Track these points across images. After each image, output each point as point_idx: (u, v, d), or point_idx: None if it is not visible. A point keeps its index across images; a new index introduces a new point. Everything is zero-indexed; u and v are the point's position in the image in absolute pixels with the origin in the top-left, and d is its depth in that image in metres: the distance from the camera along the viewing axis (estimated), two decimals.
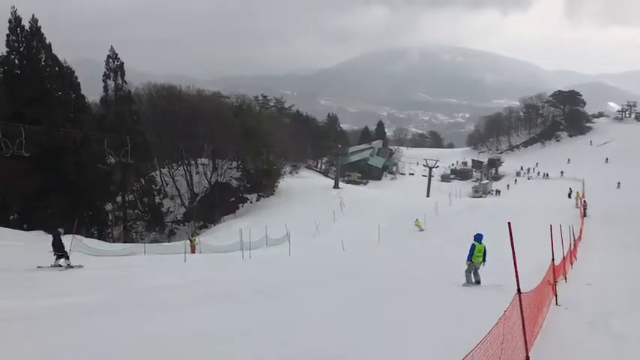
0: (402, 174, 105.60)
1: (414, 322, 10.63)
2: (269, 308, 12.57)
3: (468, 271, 15.15)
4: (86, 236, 36.11)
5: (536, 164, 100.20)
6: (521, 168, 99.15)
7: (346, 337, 9.47)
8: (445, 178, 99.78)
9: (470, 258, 15.06)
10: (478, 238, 15.18)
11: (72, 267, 20.10)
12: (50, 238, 20.53)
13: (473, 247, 15.03)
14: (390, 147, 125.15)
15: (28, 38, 39.95)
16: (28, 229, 34.82)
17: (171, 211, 61.26)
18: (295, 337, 9.56)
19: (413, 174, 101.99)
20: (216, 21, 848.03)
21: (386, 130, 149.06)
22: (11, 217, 39.82)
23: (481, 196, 77.40)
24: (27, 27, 39.92)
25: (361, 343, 9.04)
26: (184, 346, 9.03)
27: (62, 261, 20.13)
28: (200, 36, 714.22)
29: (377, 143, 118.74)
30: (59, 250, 20.12)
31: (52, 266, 19.75)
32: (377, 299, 13.65)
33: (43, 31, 40.78)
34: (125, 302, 13.65)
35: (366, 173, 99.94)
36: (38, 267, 19.49)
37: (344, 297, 14.09)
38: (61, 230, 20.67)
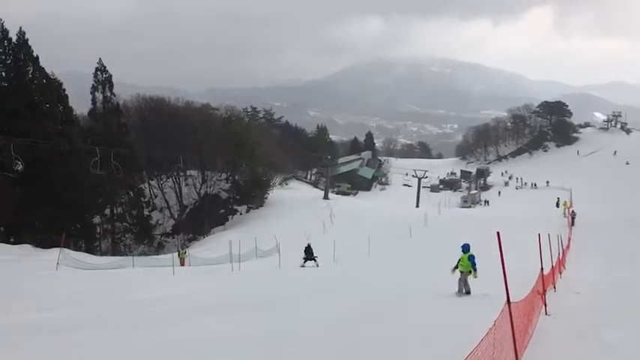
0: (406, 185, 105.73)
1: (405, 333, 10.62)
2: (259, 322, 12.48)
3: (460, 280, 15.28)
4: (74, 249, 35.78)
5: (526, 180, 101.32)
6: (510, 178, 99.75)
7: (336, 351, 9.43)
8: (434, 189, 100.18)
9: (456, 267, 15.29)
10: (464, 248, 15.33)
11: (318, 266, 28.72)
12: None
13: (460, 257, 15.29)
14: (379, 158, 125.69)
15: (15, 51, 39.76)
16: (14, 243, 34.44)
17: (160, 224, 60.85)
18: (285, 351, 9.51)
19: (410, 185, 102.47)
20: (205, 33, 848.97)
21: (375, 141, 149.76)
22: None
23: (470, 207, 77.72)
24: (14, 39, 39.75)
25: (352, 357, 9.01)
26: None
27: (310, 263, 28.86)
28: (189, 48, 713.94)
29: (366, 154, 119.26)
30: (309, 256, 29.06)
31: (302, 266, 28.81)
32: (367, 311, 13.61)
33: (30, 43, 40.64)
34: (113, 316, 13.51)
35: (356, 184, 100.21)
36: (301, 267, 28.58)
37: (334, 310, 14.03)
38: (310, 241, 30.36)
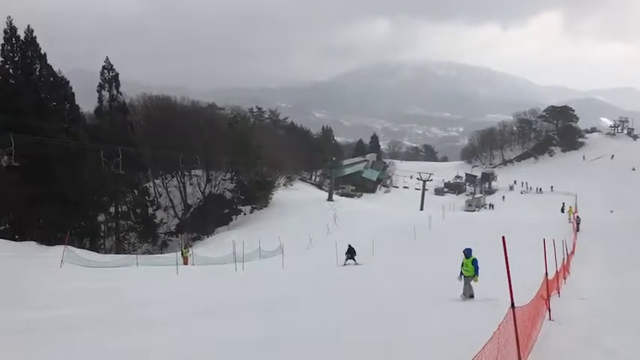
0: (395, 187, 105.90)
1: (409, 338, 10.58)
2: (259, 324, 12.46)
3: (464, 283, 15.31)
4: (78, 247, 35.83)
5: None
6: (515, 182, 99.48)
7: (338, 354, 9.39)
8: (439, 192, 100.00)
9: (461, 273, 15.36)
10: (466, 252, 15.34)
11: (357, 264, 30.59)
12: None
13: (462, 262, 15.31)
14: (384, 160, 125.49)
15: (22, 48, 39.94)
16: (19, 240, 34.53)
17: (165, 223, 60.94)
18: (286, 355, 9.48)
19: (408, 187, 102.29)
20: (211, 33, 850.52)
21: (380, 144, 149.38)
22: (2, 227, 39.48)
23: (475, 210, 77.56)
24: (22, 37, 39.92)
25: None
26: None
27: (351, 261, 30.81)
28: (195, 47, 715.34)
29: (371, 156, 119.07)
30: (351, 255, 31.14)
31: (344, 264, 30.69)
32: (371, 315, 13.58)
33: (38, 41, 40.81)
34: (116, 315, 13.52)
35: (360, 186, 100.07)
36: (343, 265, 30.66)
37: (336, 313, 14.01)
38: (351, 245, 31.96)
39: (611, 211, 56.10)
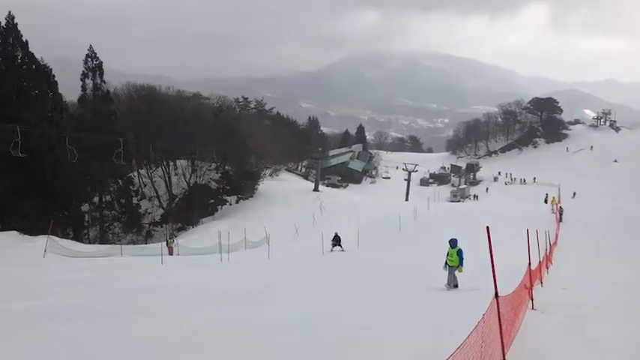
0: (387, 177, 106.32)
1: (393, 327, 10.64)
2: (244, 314, 12.44)
3: (449, 273, 15.45)
4: (62, 237, 35.50)
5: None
6: (499, 173, 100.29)
7: (321, 344, 9.41)
8: (424, 183, 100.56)
9: (445, 262, 15.50)
10: (452, 242, 15.47)
11: (343, 250, 32.17)
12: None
13: (447, 252, 15.45)
14: (370, 151, 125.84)
15: (3, 35, 39.18)
16: (1, 230, 34.09)
17: (149, 213, 60.54)
18: (270, 344, 9.49)
19: (389, 177, 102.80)
20: (198, 23, 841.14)
21: (366, 134, 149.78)
22: None
23: (459, 201, 78.15)
24: (3, 23, 39.20)
25: (337, 351, 9.00)
26: (155, 353, 8.89)
27: (337, 248, 32.48)
28: (181, 37, 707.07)
29: (357, 147, 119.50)
30: (337, 243, 32.82)
31: (331, 251, 32.23)
32: (354, 305, 13.63)
33: (19, 28, 40.08)
34: (99, 306, 13.41)
35: (346, 177, 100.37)
36: (330, 251, 32.08)
37: (320, 303, 14.04)
38: (337, 232, 33.82)
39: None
